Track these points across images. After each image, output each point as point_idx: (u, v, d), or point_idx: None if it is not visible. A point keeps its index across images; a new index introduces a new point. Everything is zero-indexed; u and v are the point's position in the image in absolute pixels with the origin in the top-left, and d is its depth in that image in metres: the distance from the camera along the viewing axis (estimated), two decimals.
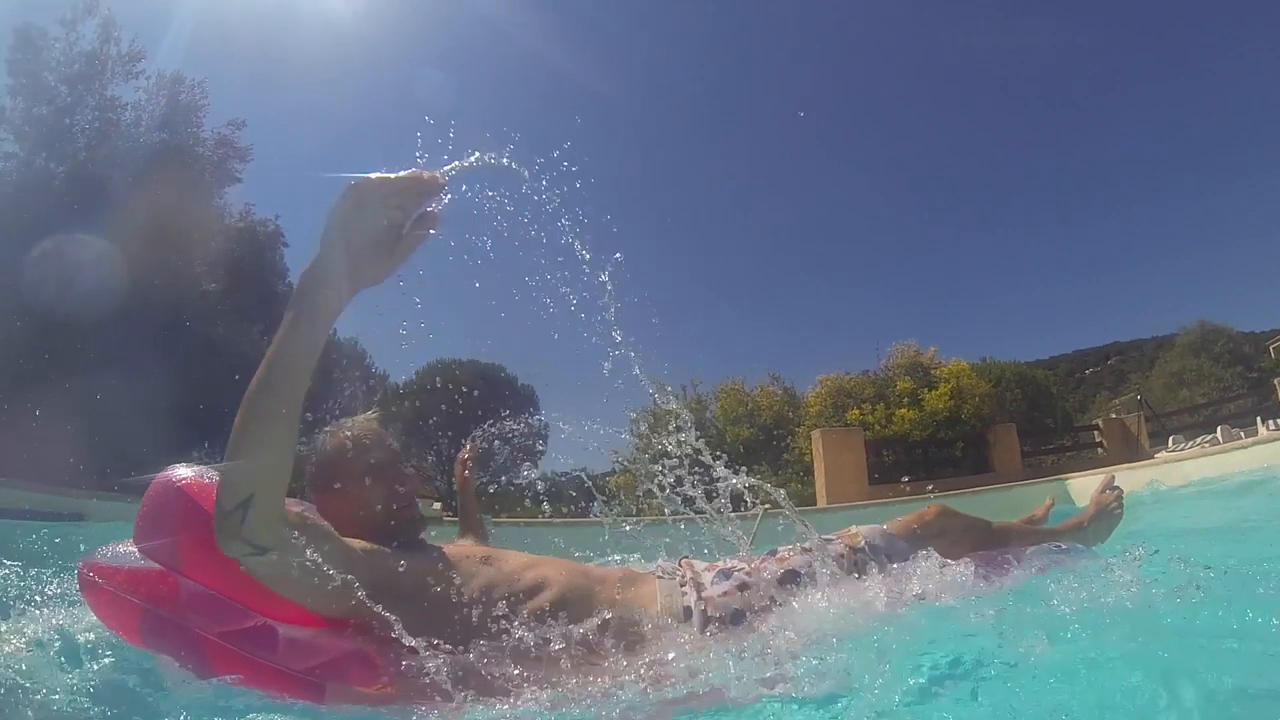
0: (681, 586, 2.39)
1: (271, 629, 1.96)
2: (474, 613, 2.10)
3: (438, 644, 1.98)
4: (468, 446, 4.23)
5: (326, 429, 2.46)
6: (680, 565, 2.58)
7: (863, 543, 2.63)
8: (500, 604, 2.13)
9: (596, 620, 2.15)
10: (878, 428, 18.69)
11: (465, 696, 1.87)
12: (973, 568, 2.57)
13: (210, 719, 1.83)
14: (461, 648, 2.01)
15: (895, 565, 2.55)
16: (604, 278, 2.47)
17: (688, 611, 2.28)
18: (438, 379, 32.18)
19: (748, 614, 2.28)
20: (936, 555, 2.56)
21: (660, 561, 2.69)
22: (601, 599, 2.26)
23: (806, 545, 2.58)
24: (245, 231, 25.46)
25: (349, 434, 2.42)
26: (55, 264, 18.08)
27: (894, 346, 21.23)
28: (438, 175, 1.83)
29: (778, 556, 2.56)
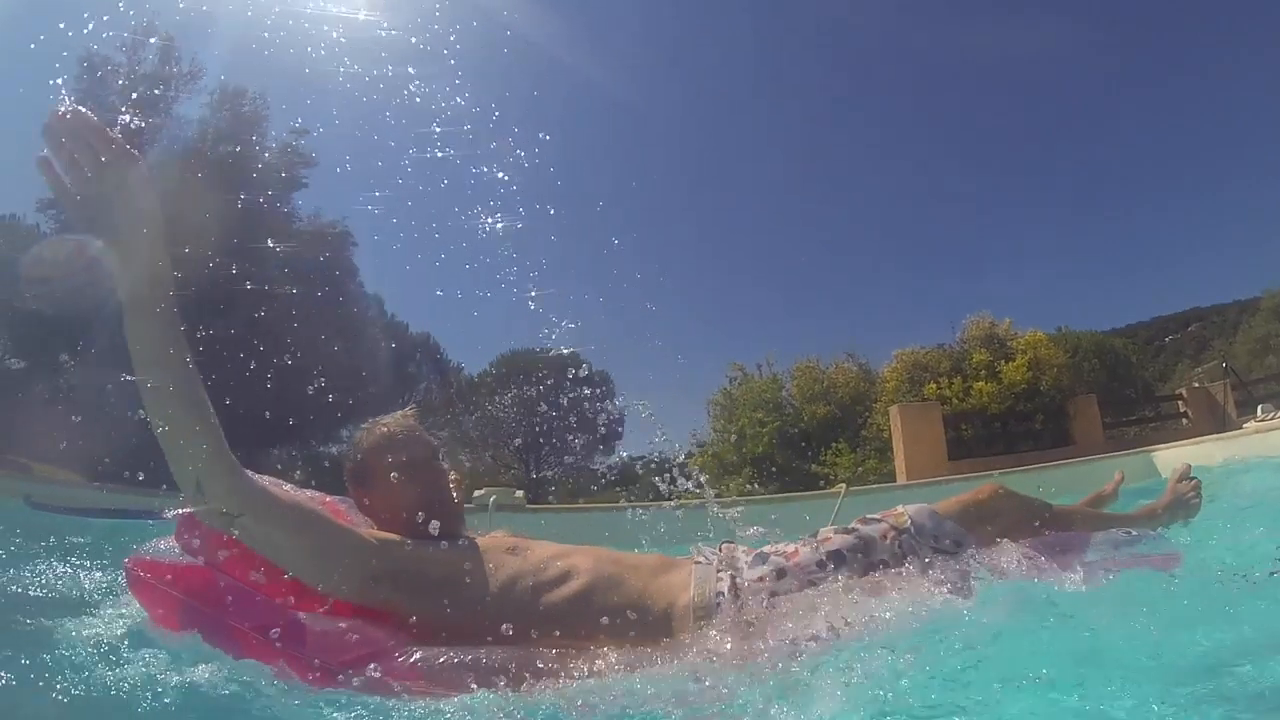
0: (718, 572, 2.33)
1: (300, 623, 2.02)
2: (500, 602, 2.16)
3: (464, 633, 2.07)
4: None
5: (363, 426, 2.54)
6: (720, 550, 2.51)
7: (908, 523, 2.49)
8: (526, 593, 2.19)
9: (612, 609, 2.17)
10: (955, 402, 18.33)
11: (475, 684, 1.89)
12: (1025, 556, 2.40)
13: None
14: (489, 637, 2.07)
15: (944, 547, 2.43)
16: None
17: (719, 598, 2.23)
18: (512, 369, 32.57)
19: (782, 599, 2.23)
20: (973, 540, 2.46)
21: (700, 546, 2.59)
22: (631, 587, 2.27)
23: (849, 526, 2.51)
24: (315, 235, 26.04)
25: (383, 431, 2.49)
26: None
27: (968, 319, 20.74)
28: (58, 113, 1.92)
29: (819, 538, 2.48)
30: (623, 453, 35.95)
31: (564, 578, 2.23)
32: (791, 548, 2.44)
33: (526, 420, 32.97)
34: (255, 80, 24.64)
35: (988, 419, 18.17)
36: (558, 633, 2.11)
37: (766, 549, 2.47)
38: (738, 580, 2.27)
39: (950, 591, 2.19)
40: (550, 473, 34.16)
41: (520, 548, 2.35)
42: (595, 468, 35.01)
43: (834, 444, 20.00)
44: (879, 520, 2.51)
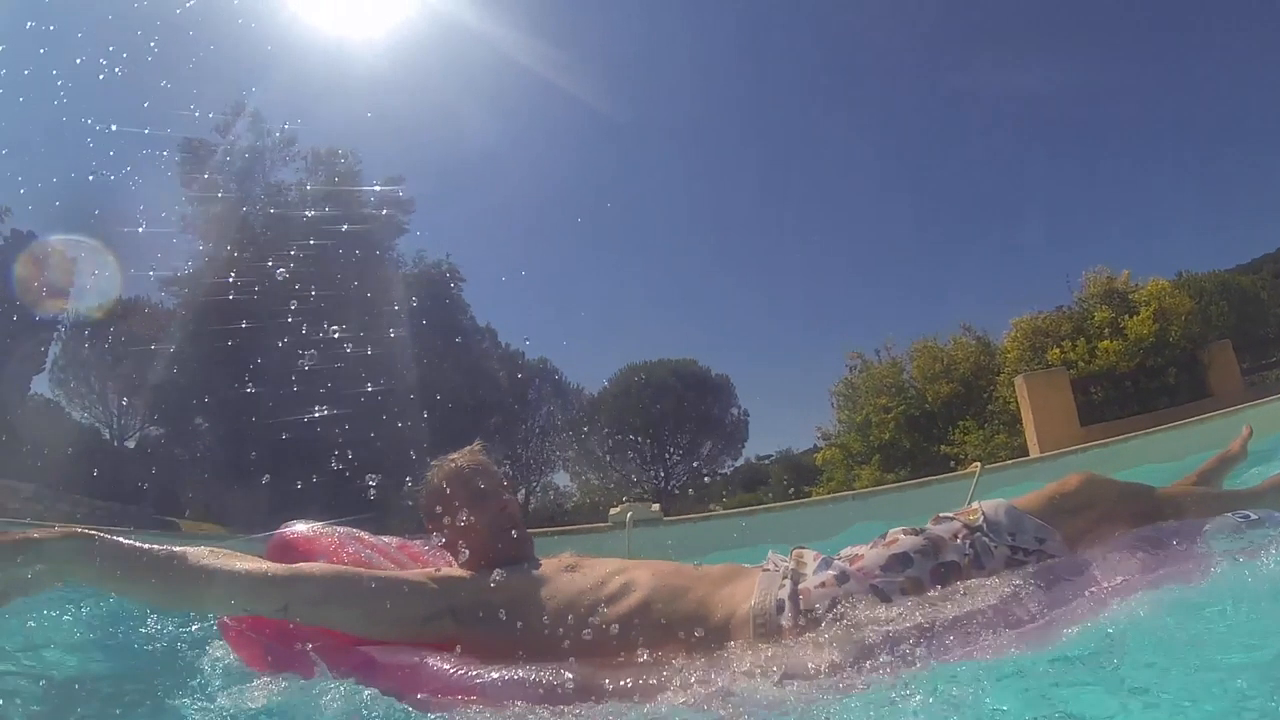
0: (782, 579, 2.23)
1: (372, 660, 2.16)
2: (560, 622, 2.18)
3: (528, 654, 2.11)
4: None
5: (433, 463, 2.62)
6: (790, 557, 2.39)
7: (980, 519, 2.29)
8: (585, 611, 2.19)
9: (672, 621, 2.15)
10: (1081, 365, 17.69)
11: (532, 702, 1.91)
12: (1121, 553, 2.17)
13: None
14: (552, 657, 2.08)
15: (1024, 544, 2.23)
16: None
17: (780, 606, 2.14)
18: (633, 382, 32.87)
19: (842, 606, 2.09)
20: (1059, 537, 2.25)
21: (771, 553, 2.44)
22: (691, 598, 2.22)
23: (921, 526, 2.34)
24: (422, 276, 26.90)
25: (451, 466, 2.58)
26: (256, 343, 19.82)
27: (1085, 275, 20.08)
28: None
29: (887, 539, 2.31)
30: (749, 454, 35.92)
31: (623, 592, 2.23)
32: (860, 550, 2.31)
33: (651, 431, 33.22)
34: (346, 137, 25.71)
35: (1117, 379, 17.55)
36: (617, 647, 2.12)
37: (844, 552, 2.35)
38: (800, 586, 2.19)
39: (1032, 603, 1.99)
40: (679, 481, 34.33)
41: (580, 566, 2.39)
42: (724, 471, 35.10)
43: (960, 422, 19.64)
44: (951, 519, 2.34)
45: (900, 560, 2.18)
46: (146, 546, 2.03)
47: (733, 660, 1.99)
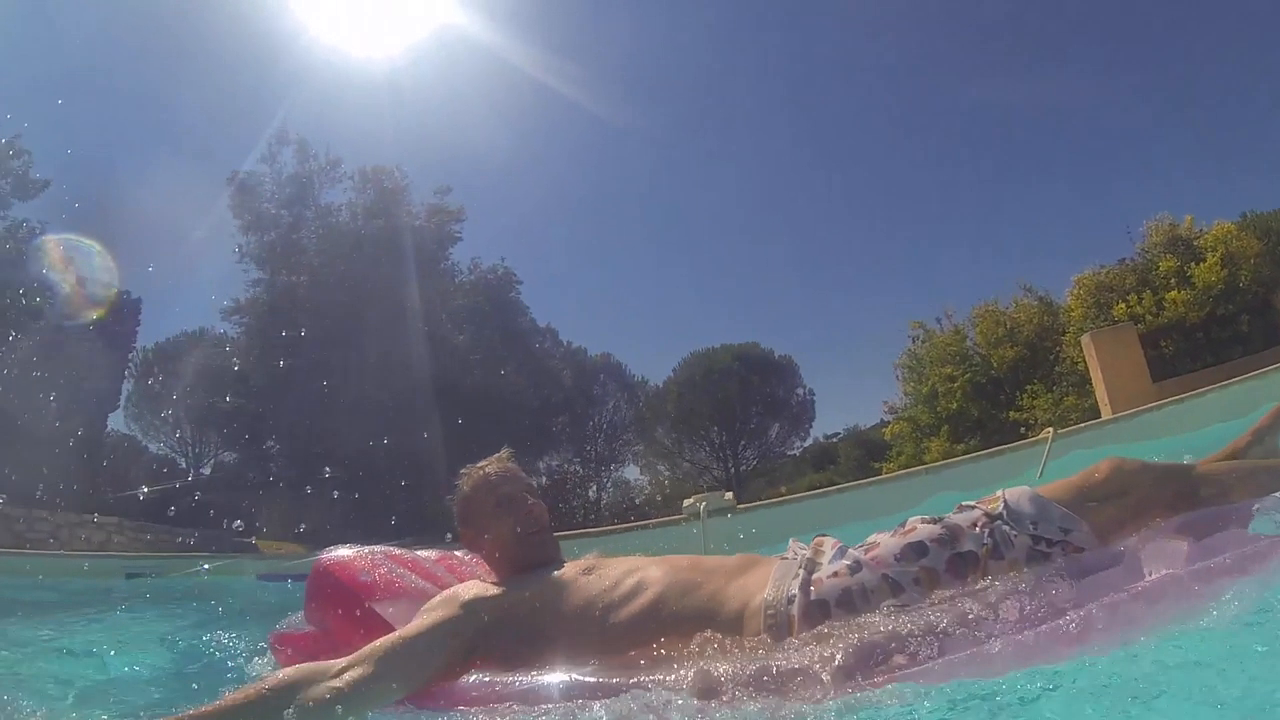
0: (797, 569, 2.21)
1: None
2: (579, 624, 2.25)
3: (550, 658, 2.17)
4: None
5: (462, 472, 2.73)
6: (810, 545, 2.38)
7: (1001, 508, 2.19)
8: (600, 611, 2.25)
9: (686, 616, 2.16)
10: (1149, 318, 17.22)
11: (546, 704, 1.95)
12: (1158, 544, 2.03)
13: None
14: (570, 661, 2.14)
15: (1048, 534, 2.12)
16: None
17: (791, 597, 2.12)
18: (697, 370, 32.94)
19: (855, 597, 2.07)
20: (1087, 528, 2.13)
21: (793, 541, 2.44)
22: (704, 591, 2.22)
23: (941, 515, 2.26)
24: (478, 282, 27.23)
25: (480, 473, 2.69)
26: (320, 363, 20.30)
27: (1146, 224, 19.46)
28: None
29: (906, 528, 2.25)
30: (817, 434, 35.81)
31: (636, 591, 2.27)
32: (879, 538, 2.25)
33: (719, 418, 33.26)
34: (391, 152, 26.16)
35: (1187, 330, 17.08)
36: (632, 647, 2.14)
37: (869, 540, 2.29)
38: (814, 576, 2.17)
39: (1050, 601, 1.91)
40: (749, 465, 34.34)
41: (597, 568, 2.43)
42: (793, 452, 35.06)
43: (1028, 386, 19.33)
44: (973, 507, 2.25)
45: (915, 549, 2.13)
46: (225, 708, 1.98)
47: (741, 655, 1.99)
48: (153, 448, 28.14)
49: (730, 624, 2.13)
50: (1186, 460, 2.58)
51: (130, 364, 26.31)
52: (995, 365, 20.51)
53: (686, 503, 8.20)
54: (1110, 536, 2.16)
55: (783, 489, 26.50)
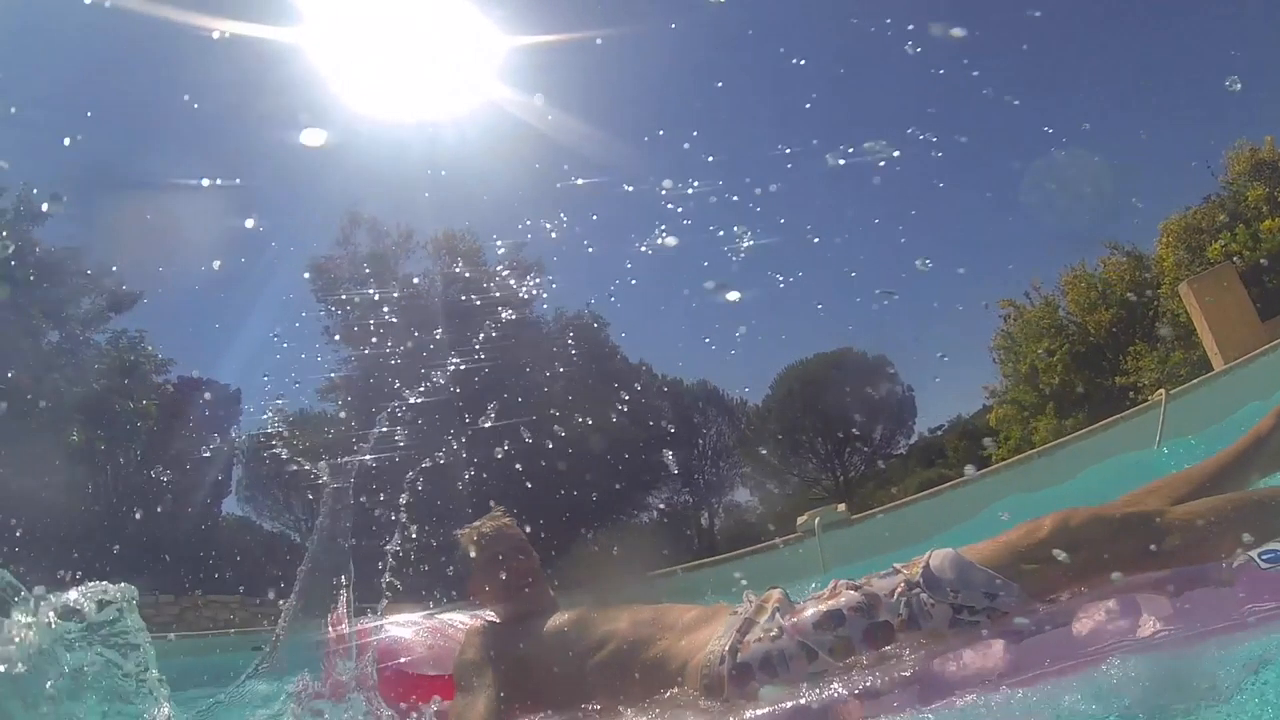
0: (735, 630, 2.24)
1: None
2: (554, 675, 2.48)
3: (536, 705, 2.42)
4: None
5: (459, 532, 2.98)
6: (759, 600, 2.39)
7: (918, 574, 2.10)
8: (570, 662, 2.46)
9: (640, 671, 2.34)
10: (1247, 254, 16.35)
11: None
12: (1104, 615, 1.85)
13: None
14: (554, 703, 2.42)
15: (970, 602, 2.02)
16: None
17: (721, 658, 2.17)
18: (794, 383, 32.77)
19: (775, 662, 2.11)
20: (1018, 591, 2.00)
21: (747, 594, 2.44)
22: (657, 648, 2.36)
23: (862, 580, 2.21)
24: (564, 330, 27.70)
25: (473, 533, 2.92)
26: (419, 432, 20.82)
27: (1227, 154, 18.60)
28: None
29: (829, 592, 2.24)
30: (921, 428, 35.32)
31: (601, 644, 2.44)
32: (806, 604, 2.26)
33: (821, 428, 33.05)
34: (461, 215, 26.81)
35: None
36: (598, 694, 2.37)
37: (821, 595, 2.28)
38: (744, 638, 2.21)
39: (960, 675, 1.87)
40: (856, 471, 34.02)
41: (578, 620, 2.61)
42: (899, 451, 34.62)
43: (1130, 348, 18.82)
44: (896, 572, 2.16)
45: (833, 618, 2.11)
46: None
47: (675, 713, 2.15)
48: (267, 526, 29.28)
49: (675, 679, 2.27)
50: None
51: (237, 451, 27.54)
52: (1093, 331, 20.00)
53: (801, 520, 8.20)
54: (1056, 596, 2.05)
55: (893, 490, 26.15)
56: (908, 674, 1.91)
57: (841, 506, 8.77)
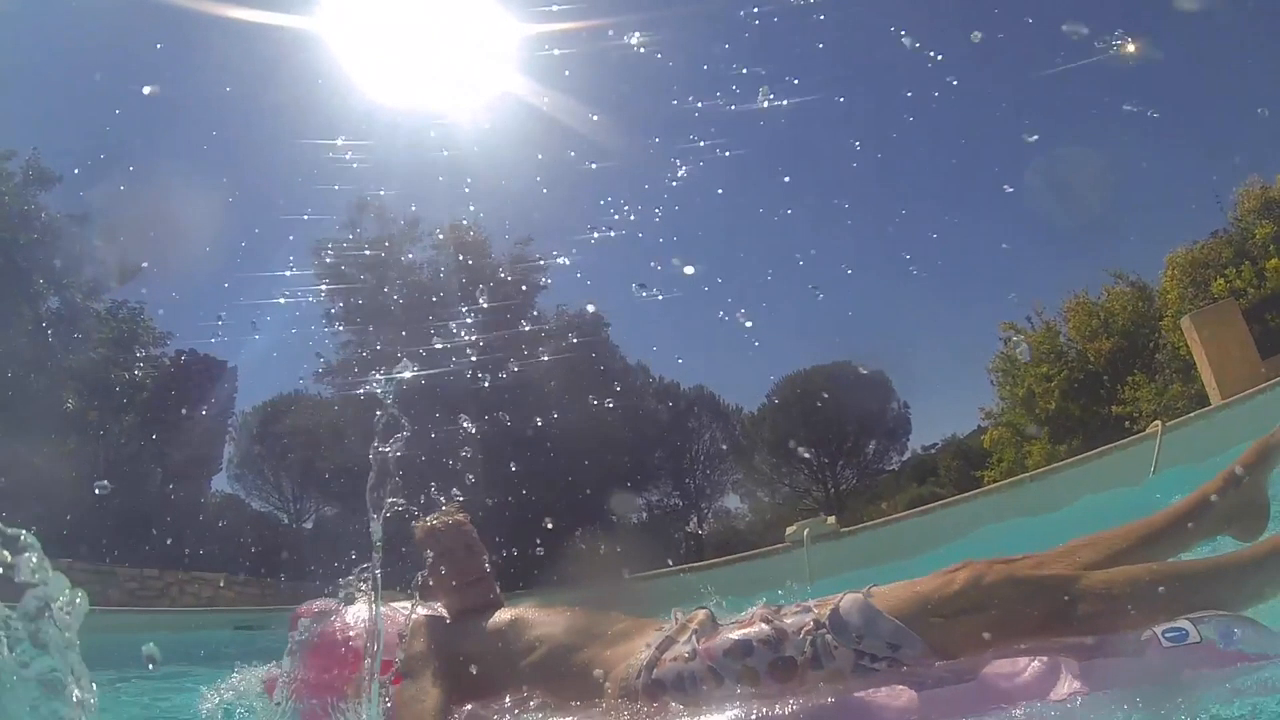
0: (655, 646, 2.35)
1: None
2: (493, 669, 2.59)
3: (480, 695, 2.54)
4: None
5: (414, 525, 3.00)
6: (684, 618, 2.49)
7: (827, 615, 2.15)
8: (505, 661, 2.57)
9: (565, 675, 2.45)
10: (1251, 291, 16.43)
11: None
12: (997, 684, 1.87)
13: None
14: (489, 696, 2.53)
15: (873, 650, 2.06)
16: None
17: (639, 673, 2.28)
18: (790, 394, 32.76)
19: (686, 682, 2.20)
20: (921, 646, 2.03)
21: (675, 611, 2.54)
22: (583, 655, 2.47)
23: (780, 612, 2.28)
24: (565, 327, 27.71)
25: (425, 528, 2.98)
26: (412, 416, 20.78)
27: (1237, 191, 18.55)
28: None
29: (745, 619, 2.33)
30: (914, 445, 35.32)
31: (535, 645, 2.55)
32: (728, 625, 2.37)
33: (815, 440, 33.06)
34: (473, 204, 26.79)
35: None
36: (529, 691, 2.48)
37: (749, 613, 2.39)
38: (662, 655, 2.31)
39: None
40: (848, 484, 34.04)
41: (519, 618, 2.71)
42: (891, 467, 34.64)
43: (1129, 378, 18.79)
44: (809, 609, 2.23)
45: (743, 648, 2.18)
46: None
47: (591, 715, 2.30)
48: (256, 505, 29.28)
49: (596, 687, 2.36)
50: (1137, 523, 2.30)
51: (230, 428, 28.04)
52: (1092, 359, 20.00)
53: (789, 530, 8.19)
54: (958, 655, 2.03)
55: (883, 505, 26.14)
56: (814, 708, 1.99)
57: (831, 519, 8.75)
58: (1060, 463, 11.65)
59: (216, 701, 3.03)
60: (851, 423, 33.10)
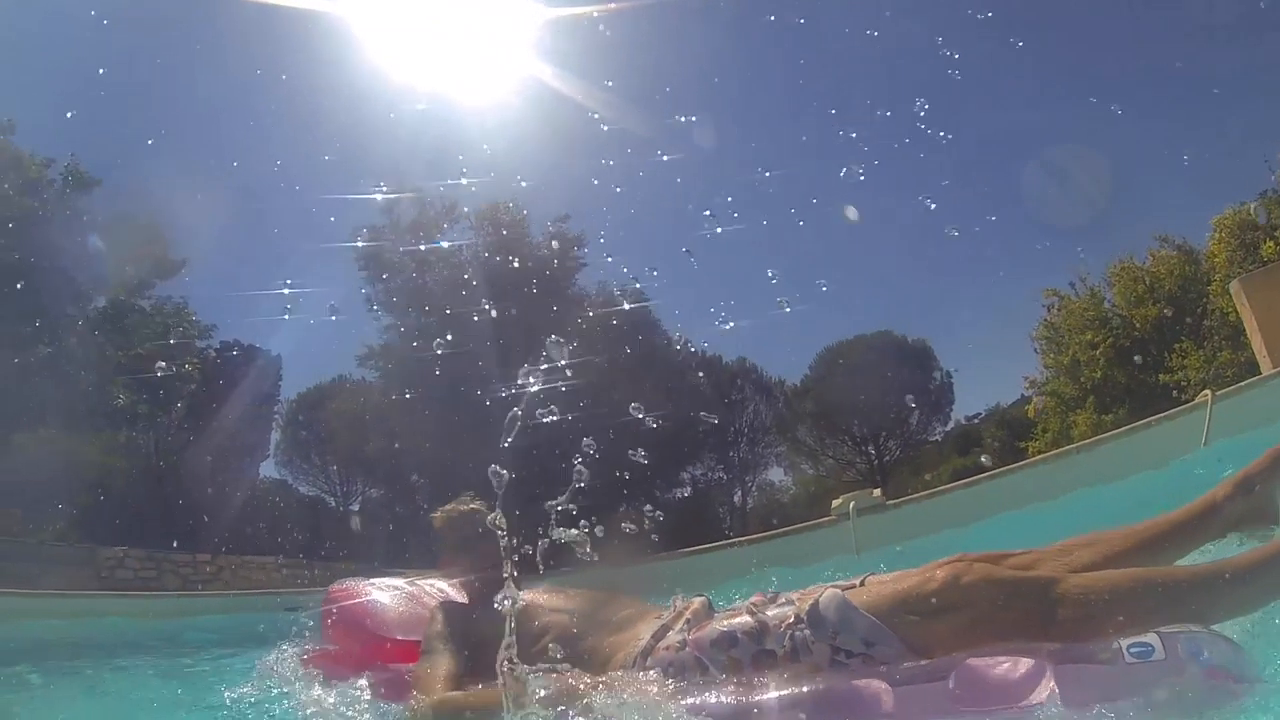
0: (651, 636, 2.44)
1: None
2: (497, 653, 2.55)
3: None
4: None
5: (432, 514, 3.25)
6: (682, 605, 2.58)
7: (805, 610, 2.18)
8: (518, 646, 2.51)
9: (571, 660, 2.46)
10: None
11: None
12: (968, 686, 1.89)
13: None
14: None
15: (848, 646, 2.10)
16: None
17: (635, 661, 2.38)
18: (833, 365, 32.59)
19: (675, 671, 2.29)
20: (897, 644, 2.06)
21: (675, 598, 2.64)
22: (586, 644, 2.54)
23: (767, 603, 2.32)
24: (607, 304, 27.71)
25: (441, 516, 3.19)
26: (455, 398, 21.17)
27: None
28: None
29: (732, 610, 2.42)
30: (958, 415, 35.08)
31: (540, 634, 2.59)
32: (720, 615, 2.45)
33: (859, 411, 32.91)
34: (501, 190, 26.90)
35: None
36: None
37: (734, 609, 2.47)
38: (658, 644, 2.41)
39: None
40: (891, 456, 33.88)
41: (531, 604, 2.76)
42: (935, 438, 34.44)
43: (1176, 345, 18.49)
44: (792, 603, 2.25)
45: (728, 639, 2.25)
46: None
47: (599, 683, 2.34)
48: (304, 489, 29.95)
49: (602, 671, 2.42)
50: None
51: (276, 415, 28.83)
52: (1139, 325, 19.68)
53: (835, 503, 8.16)
54: (934, 653, 2.04)
55: (927, 477, 25.97)
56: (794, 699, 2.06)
57: (877, 491, 8.71)
58: (1108, 433, 11.51)
59: (258, 680, 3.15)
60: (894, 393, 32.96)
